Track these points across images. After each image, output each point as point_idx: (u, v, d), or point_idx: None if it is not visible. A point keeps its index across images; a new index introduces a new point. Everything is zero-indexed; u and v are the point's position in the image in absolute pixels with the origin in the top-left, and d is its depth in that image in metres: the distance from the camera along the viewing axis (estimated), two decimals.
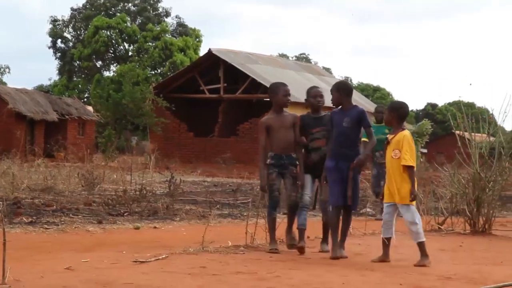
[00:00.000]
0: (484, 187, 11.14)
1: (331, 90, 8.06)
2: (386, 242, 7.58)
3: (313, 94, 8.40)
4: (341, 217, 7.88)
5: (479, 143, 11.54)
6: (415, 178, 7.57)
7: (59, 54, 64.49)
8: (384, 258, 7.55)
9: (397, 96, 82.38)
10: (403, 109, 7.79)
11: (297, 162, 8.21)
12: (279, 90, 8.34)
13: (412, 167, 7.45)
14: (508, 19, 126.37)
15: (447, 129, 57.29)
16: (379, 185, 11.77)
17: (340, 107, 8.04)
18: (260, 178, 8.36)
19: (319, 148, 8.23)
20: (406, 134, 7.59)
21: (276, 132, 8.21)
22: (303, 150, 8.31)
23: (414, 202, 7.54)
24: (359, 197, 8.16)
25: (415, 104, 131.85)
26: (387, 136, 7.82)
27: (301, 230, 8.14)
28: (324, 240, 8.32)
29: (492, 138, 12.29)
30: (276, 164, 8.19)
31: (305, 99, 8.43)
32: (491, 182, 11.22)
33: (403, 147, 7.47)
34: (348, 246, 7.99)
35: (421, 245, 7.46)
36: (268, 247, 8.16)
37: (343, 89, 8.09)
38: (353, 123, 7.86)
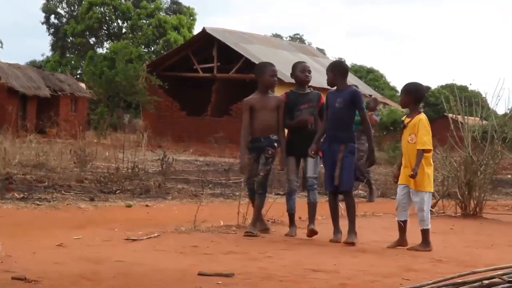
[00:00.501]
0: (476, 170, 11.19)
1: (326, 70, 7.83)
2: (402, 225, 7.38)
3: (301, 68, 8.06)
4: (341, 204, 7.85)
5: (472, 127, 11.57)
6: (431, 162, 7.47)
7: (52, 30, 64.13)
8: (401, 242, 7.38)
9: (391, 78, 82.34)
10: (420, 91, 7.52)
11: (276, 144, 7.89)
12: (266, 70, 8.00)
13: (423, 150, 7.22)
14: (503, 2, 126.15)
15: (440, 112, 57.34)
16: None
17: (335, 88, 7.81)
18: (240, 158, 8.14)
19: (305, 125, 7.93)
20: (422, 117, 7.34)
21: (258, 113, 7.91)
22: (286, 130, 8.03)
23: (431, 188, 7.44)
24: (352, 179, 7.78)
25: None
26: (403, 119, 7.58)
27: (291, 215, 8.00)
28: (311, 221, 7.92)
29: (484, 122, 12.32)
30: (253, 147, 7.92)
31: (291, 74, 8.09)
32: (483, 166, 11.27)
33: (420, 130, 7.24)
34: (340, 228, 7.76)
35: (424, 232, 7.35)
36: (248, 226, 7.93)
37: (337, 69, 7.83)
38: (345, 103, 7.59)
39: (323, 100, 7.96)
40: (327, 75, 7.75)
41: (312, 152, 7.69)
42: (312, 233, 7.77)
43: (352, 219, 7.57)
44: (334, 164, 7.57)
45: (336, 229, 7.71)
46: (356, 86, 8.72)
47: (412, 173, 7.18)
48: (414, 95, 7.43)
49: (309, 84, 8.21)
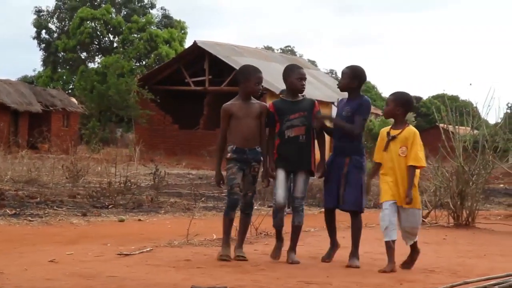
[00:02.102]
0: (468, 180, 11.23)
1: (344, 73, 7.13)
2: (392, 246, 6.72)
3: (298, 75, 7.19)
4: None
5: (463, 136, 11.61)
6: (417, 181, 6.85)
7: (44, 45, 64.11)
8: (392, 266, 6.67)
9: (382, 89, 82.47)
10: (412, 104, 7.05)
11: (262, 158, 7.13)
12: (250, 77, 7.15)
13: (416, 167, 6.74)
14: (493, 11, 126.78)
15: (431, 122, 57.47)
16: None
17: (347, 95, 7.17)
18: (216, 171, 7.29)
19: (296, 137, 7.06)
20: (416, 131, 6.86)
21: (240, 121, 7.09)
22: (275, 140, 7.15)
23: (419, 204, 6.91)
24: (360, 197, 7.00)
25: None
26: (389, 131, 6.87)
27: (277, 231, 7.19)
28: (292, 246, 7.09)
29: (475, 131, 12.36)
30: (237, 158, 7.08)
31: (284, 78, 7.22)
32: (475, 176, 11.31)
33: (414, 145, 6.73)
34: (337, 240, 7.30)
35: (414, 245, 6.92)
36: (219, 252, 7.08)
37: (359, 76, 7.11)
38: (352, 113, 6.99)
39: (317, 108, 7.18)
40: (344, 79, 7.12)
41: (320, 176, 7.16)
42: (289, 262, 6.97)
43: (356, 242, 6.99)
44: (338, 179, 6.98)
45: (333, 242, 7.24)
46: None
47: (407, 199, 6.68)
48: (406, 107, 6.92)
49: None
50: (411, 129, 6.85)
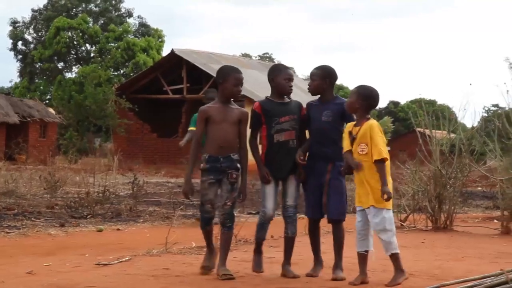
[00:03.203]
0: (445, 183, 11.29)
1: (313, 74, 6.72)
2: (364, 256, 6.25)
3: (287, 76, 6.70)
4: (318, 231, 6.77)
5: (440, 140, 11.68)
6: (389, 176, 6.23)
7: (20, 56, 63.83)
8: (364, 278, 6.23)
9: None
10: (377, 99, 6.41)
11: (239, 165, 6.54)
12: (229, 78, 6.58)
13: (383, 159, 6.14)
14: (468, 17, 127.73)
15: (409, 127, 57.75)
16: None
17: (318, 97, 6.76)
18: (185, 180, 6.68)
19: (286, 141, 6.62)
20: (372, 123, 6.27)
21: (216, 126, 6.51)
22: (268, 143, 6.65)
23: (390, 205, 6.23)
24: (343, 206, 6.64)
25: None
26: (351, 131, 6.34)
27: (258, 243, 6.73)
28: (286, 260, 6.70)
29: (452, 135, 12.43)
30: (211, 169, 6.50)
31: (270, 78, 6.74)
32: (452, 179, 11.37)
33: (373, 139, 6.16)
34: (321, 258, 6.82)
35: (394, 258, 6.21)
36: (202, 261, 6.74)
37: (330, 76, 6.70)
38: (334, 117, 6.58)
39: (304, 111, 6.76)
40: (314, 80, 6.69)
41: (301, 158, 6.57)
42: (289, 275, 6.58)
43: (339, 253, 6.59)
44: (320, 187, 6.56)
45: (317, 259, 6.75)
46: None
47: (385, 196, 6.05)
48: (369, 101, 6.33)
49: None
50: (367, 123, 6.25)
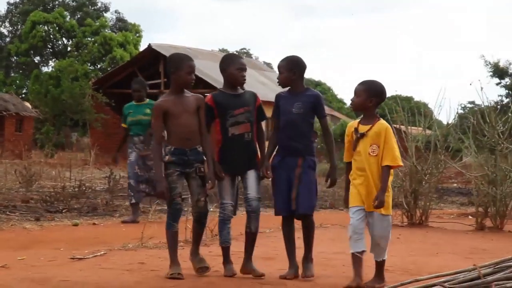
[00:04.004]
0: (421, 179, 11.38)
1: (280, 67, 6.41)
2: (359, 258, 5.91)
3: (239, 65, 6.40)
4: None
5: (416, 136, 11.75)
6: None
7: None
8: (359, 281, 5.88)
9: (338, 91, 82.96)
10: (385, 94, 6.09)
11: (205, 158, 6.31)
12: (182, 65, 6.27)
13: (391, 167, 5.91)
14: (443, 14, 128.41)
15: (387, 123, 58.01)
16: (138, 184, 10.80)
17: (288, 89, 6.46)
18: (157, 180, 6.30)
19: (242, 135, 6.34)
20: (388, 125, 5.98)
21: (177, 119, 6.22)
22: (222, 137, 6.35)
23: (391, 211, 6.04)
24: (313, 200, 6.36)
25: None
26: (357, 127, 5.99)
27: (225, 248, 6.40)
28: (248, 257, 6.43)
29: (428, 131, 12.51)
30: (177, 161, 6.25)
31: (222, 69, 6.42)
32: (427, 175, 11.45)
33: (388, 142, 5.87)
34: (296, 262, 6.42)
35: (381, 264, 6.04)
36: (168, 271, 6.23)
37: (298, 67, 6.39)
38: (305, 109, 6.29)
39: (259, 101, 6.52)
40: (282, 72, 6.40)
41: (268, 172, 6.32)
42: (255, 274, 6.32)
43: (310, 248, 6.37)
44: (289, 182, 6.26)
45: (292, 263, 6.37)
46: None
47: (376, 202, 5.82)
48: (381, 97, 6.05)
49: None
50: (382, 124, 5.96)
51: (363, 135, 5.92)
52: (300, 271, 6.32)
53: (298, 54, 6.48)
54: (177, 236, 6.43)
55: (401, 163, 5.98)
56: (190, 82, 6.31)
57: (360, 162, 5.94)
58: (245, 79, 6.43)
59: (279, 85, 6.50)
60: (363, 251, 5.90)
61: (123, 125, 11.21)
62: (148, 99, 11.11)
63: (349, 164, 6.12)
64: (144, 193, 10.89)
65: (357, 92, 6.02)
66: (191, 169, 6.28)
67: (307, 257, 6.36)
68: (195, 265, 6.35)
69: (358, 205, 5.92)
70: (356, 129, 5.99)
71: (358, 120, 6.11)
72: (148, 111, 10.81)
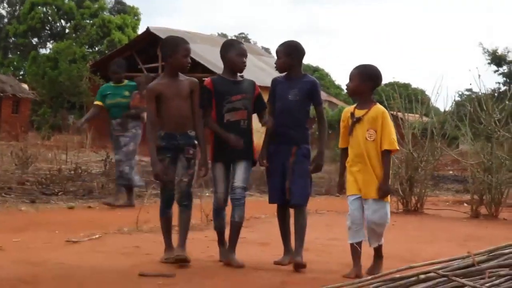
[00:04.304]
0: (417, 166, 11.39)
1: (278, 51, 6.28)
2: (358, 249, 5.85)
3: (239, 51, 6.28)
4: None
5: (412, 123, 11.76)
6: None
7: None
8: (358, 271, 5.82)
9: (335, 77, 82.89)
10: (380, 78, 6.00)
11: (196, 142, 6.21)
12: (178, 48, 6.16)
13: (390, 152, 5.84)
14: (444, 1, 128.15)
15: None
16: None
17: (284, 74, 6.33)
18: (152, 163, 6.13)
19: (237, 122, 6.20)
20: (384, 109, 5.91)
21: (169, 102, 6.11)
22: (217, 123, 6.18)
23: (389, 197, 5.94)
24: (307, 190, 6.21)
25: None
26: (353, 112, 5.93)
27: (220, 233, 6.38)
28: (231, 247, 6.28)
29: (425, 119, 12.51)
30: (168, 146, 6.14)
31: (222, 54, 6.32)
32: (423, 162, 11.46)
33: (385, 127, 5.79)
34: (291, 248, 6.32)
35: (379, 249, 6.03)
36: (162, 256, 6.27)
37: (296, 52, 6.27)
38: (302, 96, 6.17)
39: (258, 90, 6.39)
40: (280, 57, 6.28)
41: (264, 161, 6.25)
42: (234, 264, 6.16)
43: (301, 238, 6.19)
44: (283, 170, 6.16)
45: (287, 249, 6.33)
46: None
47: (381, 191, 5.75)
48: (375, 81, 5.95)
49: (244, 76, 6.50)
50: (379, 108, 5.88)
51: (359, 119, 5.84)
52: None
53: (296, 40, 6.41)
54: (171, 221, 6.35)
55: (397, 147, 5.90)
56: (186, 66, 6.20)
57: (357, 147, 5.84)
58: (245, 65, 6.30)
59: (276, 70, 6.38)
60: (361, 241, 5.84)
61: (96, 102, 10.98)
62: (126, 81, 10.96)
63: (344, 150, 6.05)
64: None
65: (351, 76, 5.94)
66: (181, 153, 6.16)
67: (298, 252, 6.13)
68: (166, 254, 6.22)
69: (356, 194, 5.84)
70: (352, 114, 5.91)
71: (354, 105, 6.03)
72: (126, 93, 10.71)
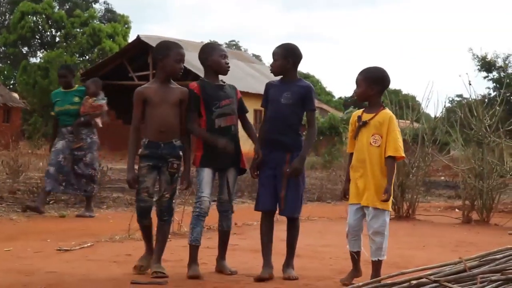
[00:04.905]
0: (408, 172, 11.41)
1: (275, 54, 6.06)
2: (356, 257, 5.81)
3: (220, 52, 6.10)
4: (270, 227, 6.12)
5: (403, 129, 11.77)
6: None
7: None
8: (356, 273, 5.82)
9: (326, 83, 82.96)
10: (388, 80, 5.83)
11: (181, 153, 5.95)
12: (171, 53, 5.93)
13: (395, 158, 5.64)
14: (431, 7, 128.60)
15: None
16: (58, 174, 10.20)
17: (279, 78, 6.14)
18: (127, 169, 5.95)
19: (229, 127, 6.02)
20: (391, 114, 5.73)
21: (156, 109, 5.85)
22: (208, 129, 5.97)
23: (390, 207, 5.80)
24: (300, 201, 6.03)
25: (343, 91, 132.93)
26: (360, 115, 5.75)
27: (194, 247, 5.98)
28: (221, 255, 6.18)
29: (416, 125, 12.54)
30: (150, 155, 5.88)
31: (203, 58, 6.11)
32: (415, 168, 11.48)
33: (391, 133, 5.60)
34: (271, 262, 6.04)
35: (378, 264, 5.72)
36: (138, 260, 6.11)
37: (293, 55, 6.07)
38: (295, 100, 5.93)
39: (240, 94, 6.24)
40: (276, 60, 6.05)
41: (256, 173, 6.03)
42: (226, 272, 6.06)
43: (293, 250, 6.08)
44: (274, 178, 5.93)
45: (267, 262, 5.99)
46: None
47: (384, 196, 5.58)
48: (383, 84, 5.78)
49: (240, 88, 6.62)
50: (386, 113, 5.70)
51: (365, 123, 5.67)
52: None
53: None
54: (150, 228, 6.07)
55: (403, 155, 5.70)
56: (179, 71, 5.97)
57: (361, 152, 5.69)
58: (229, 66, 6.13)
59: (271, 72, 6.19)
60: (359, 251, 5.78)
61: (52, 113, 10.64)
62: (76, 85, 10.59)
63: (351, 155, 5.88)
64: (62, 186, 10.35)
65: (357, 82, 5.80)
66: (164, 164, 5.91)
67: (289, 263, 6.03)
68: (138, 268, 6.00)
69: (356, 203, 5.69)
70: (359, 117, 5.75)
71: (363, 109, 5.87)
72: (76, 99, 10.31)
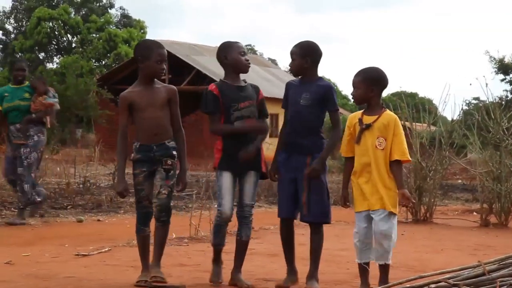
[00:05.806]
0: (425, 176, 11.37)
1: (293, 53, 5.81)
2: (367, 268, 5.52)
3: (240, 49, 5.85)
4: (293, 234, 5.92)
5: (420, 133, 11.75)
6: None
7: (1, 46, 63.42)
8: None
9: (342, 87, 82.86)
10: (386, 80, 5.58)
11: (175, 152, 5.74)
12: (151, 54, 5.68)
13: (401, 162, 5.44)
14: (448, 10, 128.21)
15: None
16: (14, 173, 9.80)
17: (299, 78, 5.89)
18: (117, 177, 5.87)
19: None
20: (396, 117, 5.52)
21: (142, 112, 5.68)
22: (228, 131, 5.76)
23: (397, 210, 5.50)
24: (325, 206, 5.72)
25: None
26: (361, 117, 5.49)
27: (217, 251, 5.91)
28: (237, 267, 5.88)
29: (432, 128, 12.51)
30: (143, 159, 5.71)
31: (223, 56, 5.87)
32: (432, 171, 11.44)
33: (397, 135, 5.40)
34: (295, 267, 5.95)
35: (385, 269, 5.48)
36: (138, 277, 5.79)
37: (312, 54, 5.79)
38: (314, 101, 5.67)
39: (262, 95, 5.99)
40: (294, 59, 5.80)
41: (276, 176, 5.82)
42: (242, 286, 5.78)
43: (317, 260, 5.79)
44: (294, 182, 5.70)
45: (289, 268, 5.88)
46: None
47: (402, 201, 5.36)
48: (381, 85, 5.53)
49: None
50: (390, 115, 5.48)
51: (369, 126, 5.41)
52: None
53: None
54: (148, 240, 5.86)
55: (409, 158, 5.53)
56: (160, 72, 5.72)
57: (366, 156, 5.42)
58: (249, 63, 5.89)
59: (290, 72, 5.87)
60: (367, 263, 5.51)
61: None
62: (27, 82, 10.01)
63: (348, 160, 5.62)
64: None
65: (355, 84, 5.53)
66: (158, 165, 5.71)
67: (313, 275, 5.76)
68: (142, 276, 5.76)
69: (364, 210, 5.43)
70: (360, 120, 5.47)
71: (361, 111, 5.60)
72: (27, 95, 9.81)
